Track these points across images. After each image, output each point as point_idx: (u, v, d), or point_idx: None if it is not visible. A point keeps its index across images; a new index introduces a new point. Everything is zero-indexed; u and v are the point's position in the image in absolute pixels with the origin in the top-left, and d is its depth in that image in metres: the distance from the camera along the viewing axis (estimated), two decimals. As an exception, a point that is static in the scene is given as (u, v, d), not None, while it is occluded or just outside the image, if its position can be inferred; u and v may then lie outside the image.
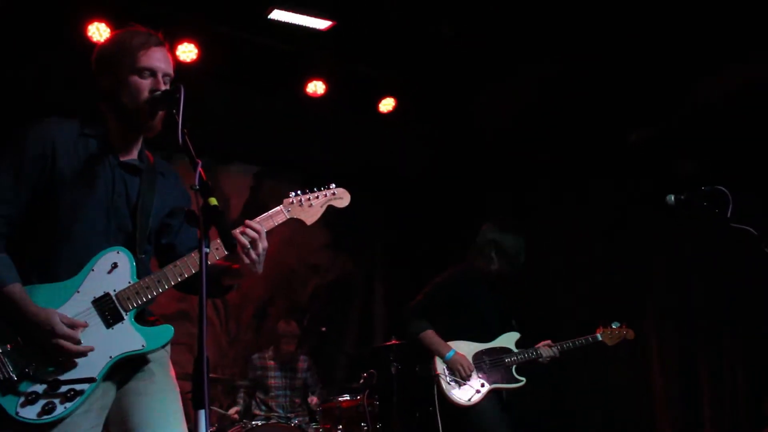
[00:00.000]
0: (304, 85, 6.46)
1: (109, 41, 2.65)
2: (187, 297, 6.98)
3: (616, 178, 6.50)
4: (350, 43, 6.12)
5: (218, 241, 2.44)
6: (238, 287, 2.88)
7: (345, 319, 8.34)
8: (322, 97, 6.53)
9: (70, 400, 2.36)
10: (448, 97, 6.92)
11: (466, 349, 4.77)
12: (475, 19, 5.76)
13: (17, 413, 2.30)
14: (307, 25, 5.82)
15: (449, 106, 7.04)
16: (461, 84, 6.67)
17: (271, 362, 6.75)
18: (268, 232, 2.60)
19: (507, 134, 7.06)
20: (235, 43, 6.03)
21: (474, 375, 4.70)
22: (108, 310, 2.47)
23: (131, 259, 2.54)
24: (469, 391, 4.68)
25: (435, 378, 4.69)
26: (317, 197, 2.82)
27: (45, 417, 2.32)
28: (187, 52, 5.83)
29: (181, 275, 2.54)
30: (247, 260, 2.54)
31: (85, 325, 2.42)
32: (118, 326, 2.47)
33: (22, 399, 2.32)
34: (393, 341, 6.19)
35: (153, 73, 2.55)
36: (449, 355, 4.70)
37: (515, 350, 4.87)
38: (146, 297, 2.51)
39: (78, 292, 2.45)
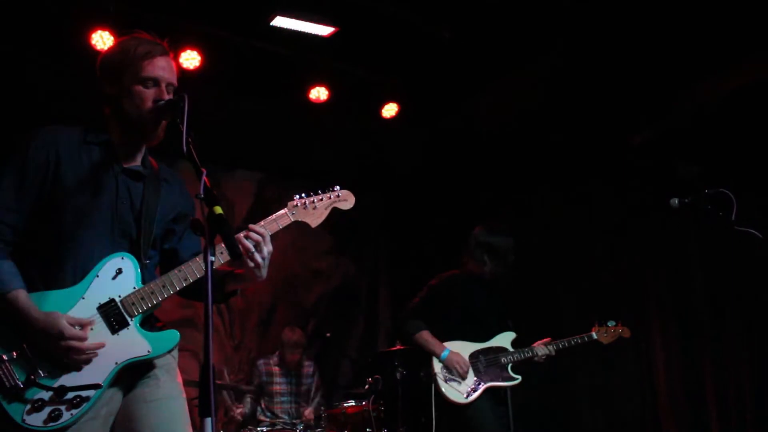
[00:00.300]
0: (307, 91, 6.47)
1: (113, 49, 2.66)
2: (192, 303, 6.99)
3: (617, 180, 6.50)
4: (353, 49, 6.13)
5: (222, 245, 2.45)
6: (242, 293, 2.89)
7: (349, 324, 8.34)
8: (325, 103, 6.54)
9: (76, 406, 2.36)
10: (449, 101, 6.92)
11: (462, 348, 4.87)
12: (474, 22, 5.76)
13: (24, 420, 2.31)
14: (310, 31, 5.83)
15: (451, 110, 7.05)
16: (462, 87, 6.67)
17: (276, 368, 6.75)
18: (272, 237, 2.60)
19: (509, 137, 7.07)
20: (238, 50, 6.04)
21: (470, 374, 4.80)
22: (113, 315, 2.47)
23: (136, 264, 2.54)
24: (466, 390, 4.77)
25: (432, 377, 4.79)
26: (321, 200, 2.82)
27: (51, 424, 2.33)
28: (190, 59, 5.84)
29: (185, 280, 2.54)
30: (251, 264, 2.54)
31: (91, 323, 2.43)
32: (123, 332, 2.48)
33: (28, 406, 2.32)
34: (398, 346, 6.20)
35: (156, 82, 2.56)
36: (444, 354, 4.80)
37: (511, 349, 4.97)
38: (151, 302, 2.51)
39: (83, 298, 2.46)
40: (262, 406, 6.61)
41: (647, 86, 6.01)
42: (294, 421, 6.34)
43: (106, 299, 2.48)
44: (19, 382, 2.32)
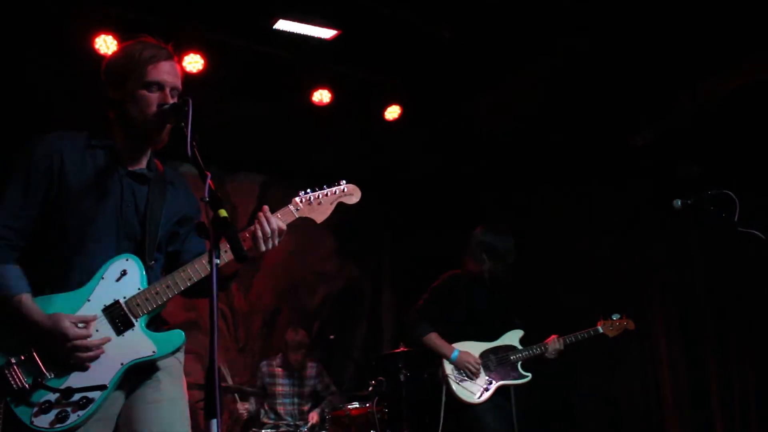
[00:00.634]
0: (309, 93, 6.48)
1: (118, 54, 2.68)
2: (196, 306, 7.08)
3: (618, 180, 6.50)
4: (355, 51, 6.15)
5: (226, 246, 2.46)
6: (247, 297, 2.89)
7: (353, 326, 8.35)
8: (328, 106, 6.55)
9: (82, 408, 2.38)
10: (451, 102, 6.94)
11: (471, 348, 4.88)
12: (474, 23, 5.77)
13: (32, 422, 2.34)
14: (312, 34, 5.84)
15: (453, 111, 7.06)
16: (464, 88, 6.68)
17: (279, 369, 6.76)
18: None
19: (511, 137, 7.07)
20: (241, 53, 6.05)
21: (481, 373, 4.82)
22: (118, 317, 2.49)
23: (140, 266, 2.56)
24: (478, 389, 4.78)
25: (443, 379, 4.78)
26: (326, 195, 2.81)
27: (58, 426, 2.35)
28: (193, 62, 5.86)
29: (190, 280, 2.55)
30: (259, 248, 2.56)
31: (95, 318, 2.45)
32: (128, 333, 2.50)
33: (36, 408, 2.35)
34: (401, 348, 6.20)
35: (161, 86, 2.58)
36: (454, 355, 4.81)
37: (520, 347, 4.98)
38: (156, 303, 2.53)
39: (89, 300, 2.48)
40: (266, 407, 6.62)
41: (648, 86, 6.02)
42: (297, 422, 6.35)
43: (111, 301, 2.50)
44: (27, 385, 2.35)
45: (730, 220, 3.58)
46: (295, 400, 6.67)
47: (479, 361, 4.83)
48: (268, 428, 6.08)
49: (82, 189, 2.54)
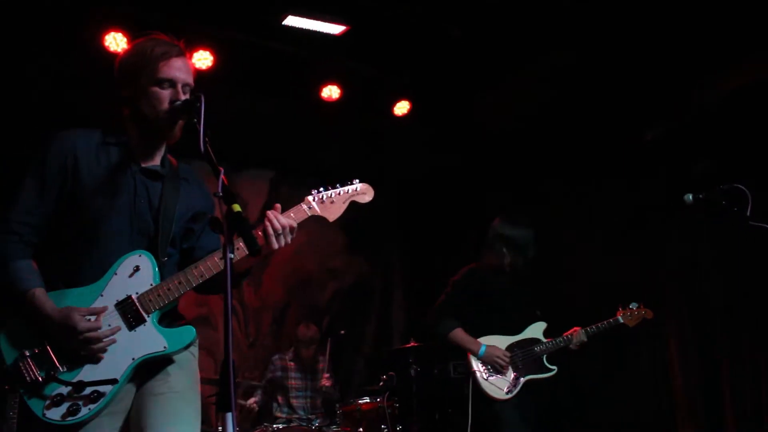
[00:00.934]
0: (319, 89, 6.49)
1: (130, 51, 2.69)
2: (207, 302, 7.10)
3: (629, 176, 6.47)
4: (364, 47, 6.15)
5: (239, 243, 2.47)
6: (257, 292, 2.90)
7: (363, 322, 8.36)
8: (337, 102, 6.56)
9: (93, 401, 2.41)
10: (460, 98, 6.93)
11: (496, 342, 4.81)
12: (483, 19, 5.76)
13: (44, 414, 2.37)
14: (322, 30, 5.85)
15: (462, 107, 7.05)
16: (473, 84, 6.68)
17: (291, 363, 6.79)
18: None
19: (521, 133, 7.06)
20: (250, 50, 6.07)
21: (509, 368, 4.75)
22: (130, 312, 2.51)
23: (153, 262, 2.58)
24: (506, 385, 4.72)
25: (471, 375, 4.71)
26: (339, 193, 2.80)
27: (69, 418, 2.38)
28: (203, 59, 5.88)
29: (201, 276, 2.57)
30: (270, 246, 2.55)
31: (104, 309, 2.48)
32: (140, 328, 2.52)
33: (48, 401, 2.38)
34: (412, 343, 6.21)
35: (173, 83, 2.59)
36: (482, 350, 4.74)
37: (544, 340, 4.91)
38: (168, 299, 2.55)
39: (102, 295, 2.51)
40: (279, 401, 6.64)
41: (659, 82, 5.99)
42: (310, 416, 6.37)
43: (124, 296, 2.52)
44: (40, 378, 2.38)
45: (742, 214, 3.56)
46: (308, 393, 6.70)
47: (508, 356, 4.76)
48: (280, 422, 6.10)
49: (95, 186, 2.56)
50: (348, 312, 8.21)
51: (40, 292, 2.44)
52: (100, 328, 2.44)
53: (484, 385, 4.70)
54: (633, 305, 5.01)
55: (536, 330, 4.95)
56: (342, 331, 6.99)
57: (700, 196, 3.77)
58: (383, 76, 6.63)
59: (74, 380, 2.40)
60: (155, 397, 2.53)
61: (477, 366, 4.74)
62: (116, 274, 2.53)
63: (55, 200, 2.54)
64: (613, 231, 6.54)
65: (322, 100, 6.54)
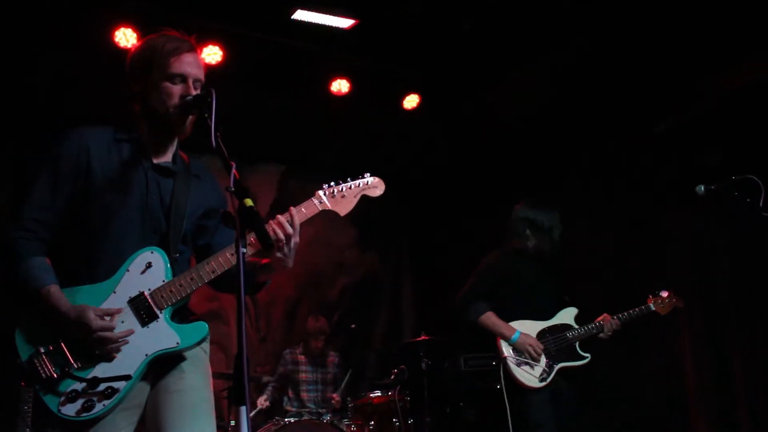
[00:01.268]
0: (328, 84, 6.49)
1: (141, 46, 2.70)
2: (218, 296, 7.13)
3: (640, 168, 6.45)
4: (373, 41, 6.13)
5: (251, 237, 2.48)
6: (267, 286, 2.91)
7: (374, 316, 8.38)
8: (347, 96, 6.56)
9: (108, 397, 2.42)
10: (470, 91, 6.91)
11: (529, 328, 4.62)
12: (492, 12, 5.74)
13: (59, 411, 2.38)
14: (331, 24, 5.84)
15: (472, 100, 7.03)
16: (482, 77, 6.65)
17: (302, 356, 6.82)
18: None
19: (530, 126, 7.04)
20: (260, 45, 6.07)
21: (542, 354, 4.56)
22: (143, 309, 2.52)
23: (165, 258, 2.59)
24: (540, 372, 4.52)
25: (502, 361, 4.52)
26: (350, 188, 2.81)
27: (84, 414, 2.39)
28: (212, 54, 5.89)
29: (213, 272, 2.57)
30: (279, 254, 2.56)
31: (119, 311, 2.49)
32: (153, 324, 2.53)
33: (63, 397, 2.40)
34: (423, 337, 6.22)
35: (184, 78, 2.60)
36: (515, 336, 4.53)
37: (576, 326, 4.73)
38: (180, 295, 2.56)
39: (114, 292, 2.52)
40: (290, 395, 6.68)
41: (670, 74, 5.95)
42: (320, 410, 6.39)
43: (136, 293, 2.53)
44: (55, 374, 2.39)
45: (755, 205, 3.54)
46: (319, 386, 6.73)
47: (541, 346, 4.55)
48: (291, 416, 6.12)
49: (108, 182, 2.57)
50: (358, 306, 8.23)
51: (55, 289, 2.45)
52: (114, 327, 2.45)
53: (516, 372, 4.49)
54: (662, 293, 4.86)
55: (568, 315, 4.77)
56: (353, 326, 7.01)
57: (712, 187, 3.75)
58: (392, 70, 6.62)
59: (88, 377, 2.41)
60: (171, 395, 2.54)
61: (508, 352, 4.53)
62: (128, 270, 2.54)
63: (68, 197, 2.55)
64: (622, 224, 6.52)
65: (331, 95, 6.54)
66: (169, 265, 2.58)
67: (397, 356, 6.88)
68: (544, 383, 4.49)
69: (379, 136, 7.44)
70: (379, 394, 6.17)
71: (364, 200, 2.88)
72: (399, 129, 7.33)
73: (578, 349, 4.68)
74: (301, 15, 5.72)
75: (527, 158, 7.22)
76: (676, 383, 6.21)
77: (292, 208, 2.64)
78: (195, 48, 2.68)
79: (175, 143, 2.74)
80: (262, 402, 6.38)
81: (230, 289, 2.68)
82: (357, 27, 5.89)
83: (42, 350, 2.41)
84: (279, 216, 2.59)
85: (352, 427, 5.99)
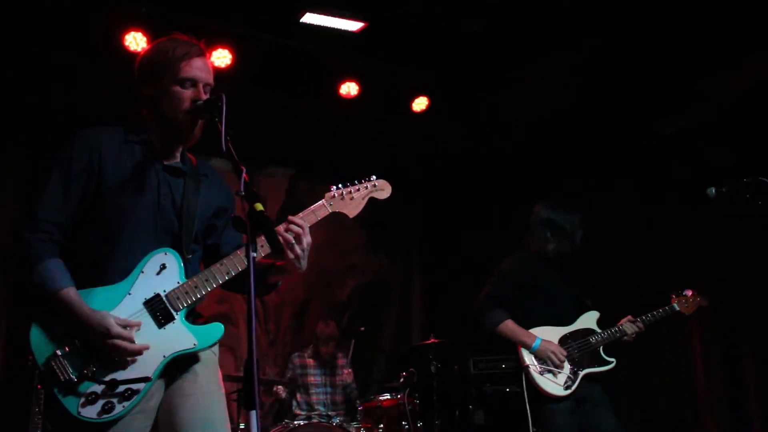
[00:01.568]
0: (337, 86, 6.50)
1: (151, 51, 2.71)
2: (228, 299, 7.15)
3: (650, 170, 6.43)
4: (382, 43, 6.14)
5: (263, 238, 2.49)
6: (277, 288, 2.92)
7: (383, 318, 8.38)
8: (356, 98, 6.57)
9: (127, 399, 2.43)
10: (479, 94, 6.91)
11: (550, 334, 4.44)
12: (501, 13, 5.74)
13: (79, 413, 2.38)
14: (339, 27, 5.85)
15: (481, 102, 7.03)
16: (492, 79, 6.65)
17: (311, 360, 6.82)
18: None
19: (539, 128, 7.03)
20: (269, 48, 6.09)
21: (565, 362, 4.37)
22: (159, 310, 2.53)
23: (179, 259, 2.59)
24: (565, 380, 4.32)
25: (524, 370, 4.33)
26: (358, 190, 2.84)
27: (105, 416, 2.39)
28: (222, 57, 5.91)
29: (228, 273, 2.58)
30: (291, 256, 2.57)
31: (138, 324, 2.49)
32: (169, 326, 2.53)
33: (82, 399, 2.39)
34: (432, 340, 6.21)
35: (194, 83, 2.61)
36: (536, 344, 4.34)
37: (599, 330, 4.54)
38: (195, 296, 2.57)
39: (129, 294, 2.52)
40: (298, 399, 6.68)
41: (679, 75, 5.94)
42: (330, 413, 6.39)
43: (152, 294, 2.54)
44: (73, 376, 2.39)
45: (767, 207, 3.51)
46: (328, 390, 6.73)
47: (564, 352, 4.36)
48: (300, 419, 6.12)
49: (120, 183, 2.58)
50: (367, 308, 8.24)
51: (73, 292, 2.45)
52: (132, 339, 2.45)
53: (540, 380, 4.28)
54: (686, 291, 4.71)
55: (590, 320, 4.58)
56: (362, 328, 7.01)
57: (723, 189, 3.72)
58: (401, 72, 6.62)
59: (107, 379, 2.41)
60: (186, 398, 2.55)
61: (530, 360, 4.34)
62: (143, 272, 2.54)
63: (80, 198, 2.56)
64: (631, 225, 6.50)
65: (340, 97, 6.55)
66: (182, 265, 2.59)
67: (407, 359, 6.88)
68: (569, 391, 4.30)
69: (389, 138, 7.44)
70: (389, 396, 6.16)
71: (373, 202, 2.90)
72: (408, 131, 7.33)
73: (602, 353, 4.50)
74: (309, 18, 5.73)
75: (537, 159, 7.21)
76: (688, 391, 6.17)
77: (300, 213, 2.65)
78: (204, 52, 2.69)
79: (182, 146, 2.76)
80: (278, 390, 6.36)
81: (240, 288, 2.68)
82: (365, 30, 5.90)
83: (59, 352, 2.41)
84: (290, 217, 2.61)
85: (362, 430, 5.99)
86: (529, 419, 4.26)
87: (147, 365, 2.47)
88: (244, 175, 2.14)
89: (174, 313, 2.54)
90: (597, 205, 6.70)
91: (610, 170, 6.70)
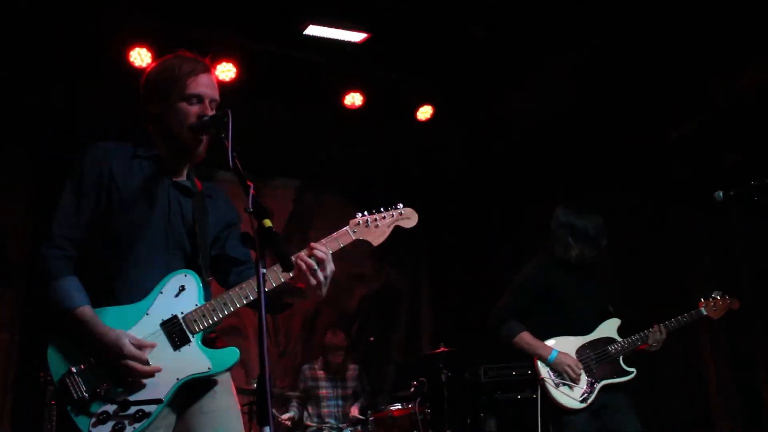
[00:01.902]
0: (341, 97, 6.53)
1: (157, 68, 2.72)
2: (239, 312, 7.11)
3: (657, 174, 6.41)
4: (385, 54, 6.17)
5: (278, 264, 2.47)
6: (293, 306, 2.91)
7: (392, 328, 8.36)
8: (361, 108, 6.59)
9: (138, 420, 2.41)
10: (483, 101, 6.92)
11: (567, 345, 4.30)
12: (502, 18, 5.75)
13: None
14: (343, 38, 5.88)
15: (486, 110, 7.04)
16: (496, 86, 6.66)
17: (321, 372, 6.81)
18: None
19: (544, 133, 7.02)
20: (273, 60, 6.12)
21: (582, 374, 4.23)
22: (175, 332, 2.52)
23: (198, 281, 2.59)
24: (581, 393, 4.20)
25: (540, 382, 4.23)
26: (384, 218, 2.79)
27: None
28: (226, 71, 5.94)
29: (246, 298, 2.57)
30: (313, 282, 2.54)
31: (153, 346, 2.48)
32: (185, 348, 2.52)
33: (94, 419, 2.39)
34: (442, 348, 6.20)
35: (200, 99, 2.62)
36: (552, 356, 4.22)
37: (619, 339, 4.37)
38: (212, 319, 2.55)
39: (147, 314, 2.52)
40: (309, 411, 6.67)
41: (684, 78, 5.93)
42: (341, 425, 6.38)
43: (169, 316, 2.53)
44: (86, 395, 2.39)
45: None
46: (339, 402, 6.72)
47: (580, 365, 4.22)
48: (311, 431, 6.13)
49: (130, 198, 2.59)
50: (376, 318, 8.22)
51: (88, 310, 2.45)
52: (146, 361, 2.45)
53: (555, 393, 4.17)
54: (715, 294, 4.53)
55: (610, 328, 4.41)
56: (371, 338, 7.00)
57: (731, 192, 3.70)
58: (405, 82, 6.64)
59: (119, 399, 2.41)
60: (204, 415, 2.55)
61: (546, 373, 4.22)
62: (162, 293, 2.54)
63: (92, 212, 2.56)
64: (641, 227, 6.48)
65: (345, 108, 6.57)
66: (202, 288, 2.59)
67: (417, 368, 6.86)
68: (585, 404, 4.17)
69: (394, 147, 7.45)
70: (400, 406, 6.15)
71: (399, 229, 2.85)
72: (413, 140, 7.34)
73: (622, 363, 4.34)
74: (313, 30, 5.76)
75: (543, 165, 7.20)
76: (697, 389, 6.15)
77: (323, 240, 2.62)
78: (210, 69, 2.70)
79: (188, 164, 2.77)
80: (285, 420, 6.35)
81: (253, 305, 2.67)
82: (369, 40, 5.92)
83: (74, 369, 2.41)
84: (312, 244, 2.58)
85: (373, 441, 5.99)
86: (539, 427, 4.21)
87: (160, 387, 2.46)
88: (252, 191, 2.14)
89: (190, 336, 2.53)
90: (604, 211, 6.70)
91: (618, 176, 6.68)
